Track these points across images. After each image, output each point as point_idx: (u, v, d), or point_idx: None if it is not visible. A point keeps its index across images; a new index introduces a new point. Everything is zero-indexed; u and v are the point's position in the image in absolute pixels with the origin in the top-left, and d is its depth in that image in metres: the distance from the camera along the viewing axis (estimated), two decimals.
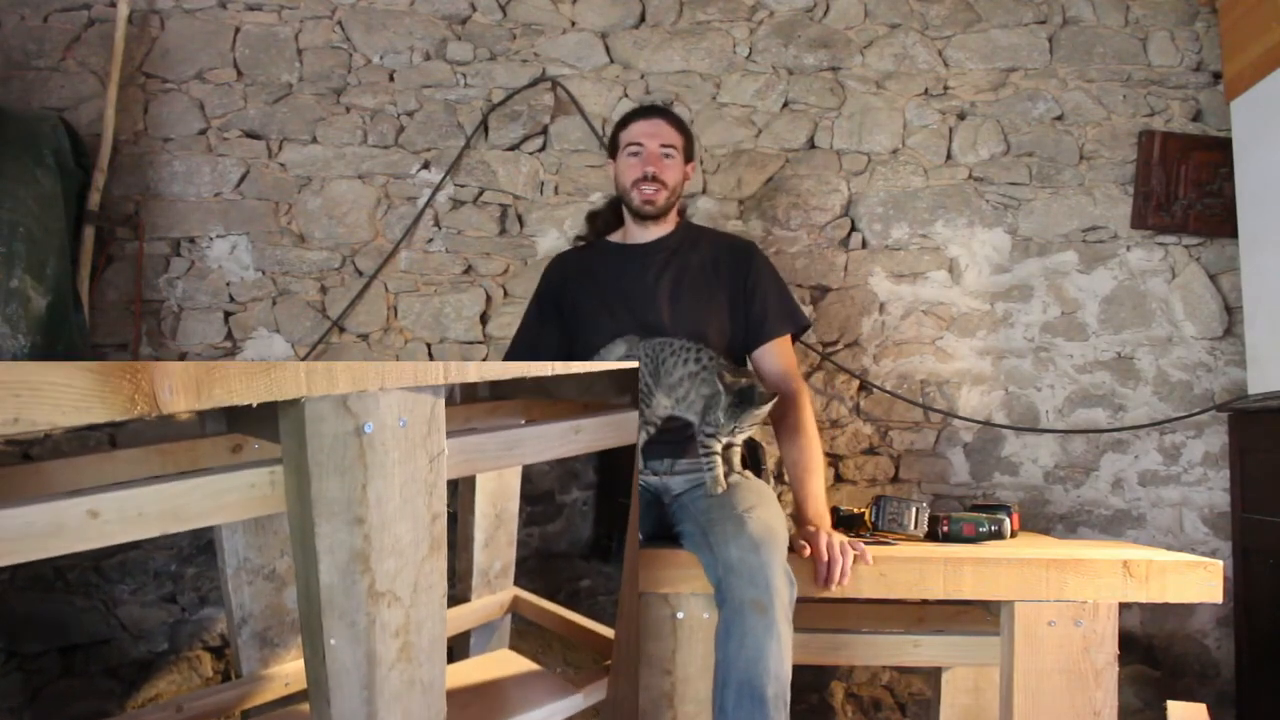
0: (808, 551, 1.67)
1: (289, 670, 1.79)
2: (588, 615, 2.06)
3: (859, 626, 1.89)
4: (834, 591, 1.67)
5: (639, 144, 1.96)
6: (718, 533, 1.61)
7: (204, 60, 2.55)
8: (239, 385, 1.11)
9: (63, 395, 0.99)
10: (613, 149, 2.04)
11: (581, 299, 2.00)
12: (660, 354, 1.78)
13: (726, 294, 1.97)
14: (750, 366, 1.99)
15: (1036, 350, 2.53)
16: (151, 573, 2.41)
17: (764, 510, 1.67)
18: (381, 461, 1.24)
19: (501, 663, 2.03)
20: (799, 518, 1.81)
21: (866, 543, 1.76)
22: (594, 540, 2.54)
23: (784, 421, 1.89)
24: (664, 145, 1.96)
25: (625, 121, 2.03)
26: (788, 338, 1.98)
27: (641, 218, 1.99)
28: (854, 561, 1.68)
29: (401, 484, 1.26)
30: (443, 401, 1.31)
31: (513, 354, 2.10)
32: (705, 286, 1.96)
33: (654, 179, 1.95)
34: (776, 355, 1.96)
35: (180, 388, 1.06)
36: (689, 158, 2.04)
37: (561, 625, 2.07)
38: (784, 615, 1.52)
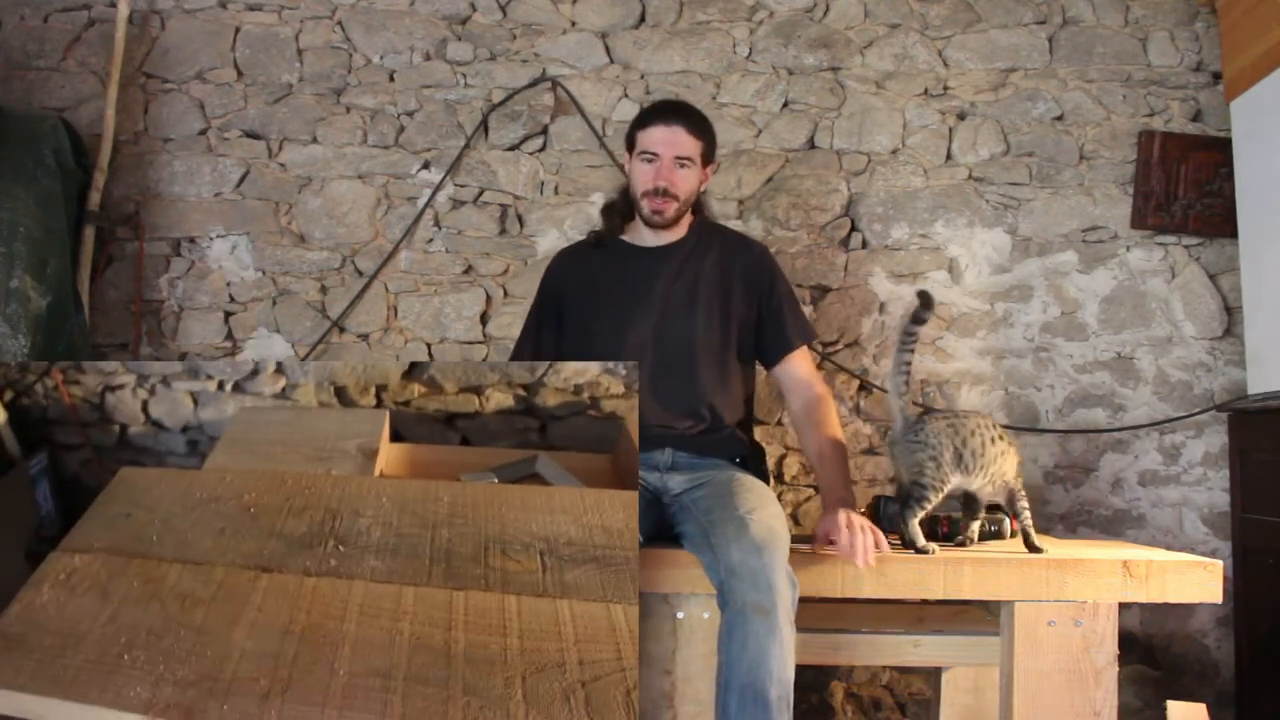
0: (837, 535, 1.63)
1: None
2: None
3: (859, 626, 1.89)
4: (838, 591, 1.68)
5: (653, 153, 1.86)
6: (719, 534, 1.61)
7: (204, 60, 2.55)
8: None
9: None
10: (629, 145, 1.93)
11: (581, 306, 1.96)
12: (960, 433, 1.72)
13: (742, 306, 1.94)
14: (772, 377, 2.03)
15: (1036, 350, 2.53)
16: None
17: (766, 512, 1.67)
18: None
19: None
20: (824, 501, 1.83)
21: None
22: None
23: (810, 418, 1.91)
24: (680, 157, 1.85)
25: (644, 121, 1.90)
26: (805, 346, 2.00)
27: (650, 226, 1.93)
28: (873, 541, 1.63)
29: None
30: None
31: (515, 360, 2.08)
32: (718, 299, 1.93)
33: (664, 193, 1.86)
34: (801, 363, 1.98)
35: None
36: (708, 161, 1.93)
37: None
38: (786, 617, 1.52)
